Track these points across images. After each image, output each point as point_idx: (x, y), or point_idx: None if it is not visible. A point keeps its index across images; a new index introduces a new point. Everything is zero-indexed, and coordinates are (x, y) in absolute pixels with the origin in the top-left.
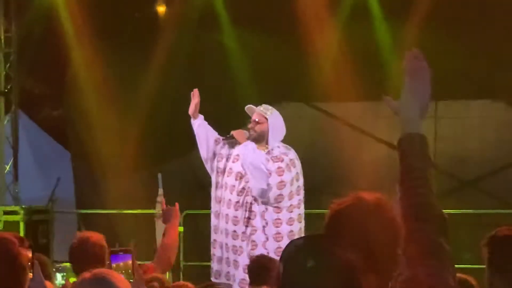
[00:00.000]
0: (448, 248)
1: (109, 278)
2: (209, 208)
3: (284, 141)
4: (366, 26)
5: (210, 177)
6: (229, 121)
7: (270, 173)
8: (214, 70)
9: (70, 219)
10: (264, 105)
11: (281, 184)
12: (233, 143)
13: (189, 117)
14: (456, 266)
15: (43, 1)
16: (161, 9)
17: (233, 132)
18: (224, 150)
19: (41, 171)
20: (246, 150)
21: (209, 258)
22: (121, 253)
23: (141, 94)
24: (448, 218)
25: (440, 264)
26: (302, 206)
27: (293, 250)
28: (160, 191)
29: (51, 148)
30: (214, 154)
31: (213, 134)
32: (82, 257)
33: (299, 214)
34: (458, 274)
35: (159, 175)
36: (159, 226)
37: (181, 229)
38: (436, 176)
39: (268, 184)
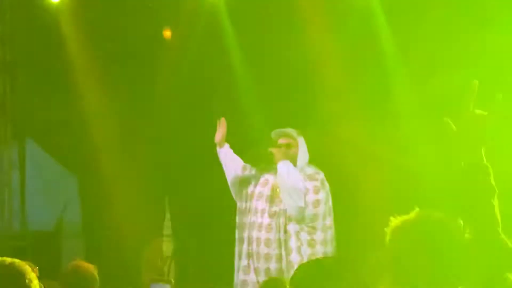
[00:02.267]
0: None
1: None
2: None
3: None
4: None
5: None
6: (233, 142)
7: (308, 191)
8: (220, 93)
9: (78, 243)
10: (289, 129)
11: (317, 203)
12: (262, 168)
13: (195, 140)
14: None
15: (49, 26)
16: (167, 33)
17: (273, 150)
18: (250, 176)
19: (48, 195)
20: (285, 169)
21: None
22: (161, 283)
23: (148, 119)
24: None
25: None
26: (333, 228)
27: (302, 273)
28: (168, 215)
29: (59, 174)
30: (241, 181)
31: (240, 161)
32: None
33: (332, 236)
34: None
35: (166, 199)
36: (166, 248)
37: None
38: None
39: (305, 202)
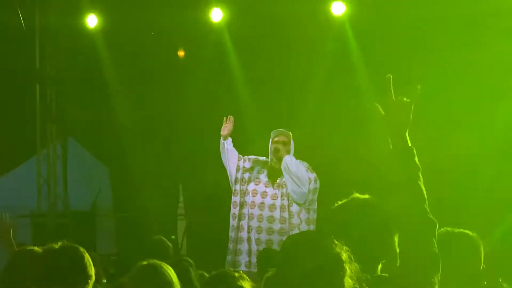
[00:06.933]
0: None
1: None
2: (217, 213)
3: None
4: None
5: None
6: (235, 141)
7: (310, 181)
8: (223, 100)
9: (109, 221)
10: (284, 130)
11: (315, 190)
12: (260, 162)
13: (203, 140)
14: None
15: (85, 47)
16: (181, 53)
17: (278, 146)
18: (247, 164)
19: (86, 183)
20: (293, 162)
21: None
22: None
23: (163, 123)
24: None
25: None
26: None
27: (290, 242)
28: (181, 198)
29: (94, 165)
30: (238, 168)
31: (236, 153)
32: None
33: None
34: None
35: (180, 186)
36: (180, 225)
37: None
38: None
39: (308, 189)
